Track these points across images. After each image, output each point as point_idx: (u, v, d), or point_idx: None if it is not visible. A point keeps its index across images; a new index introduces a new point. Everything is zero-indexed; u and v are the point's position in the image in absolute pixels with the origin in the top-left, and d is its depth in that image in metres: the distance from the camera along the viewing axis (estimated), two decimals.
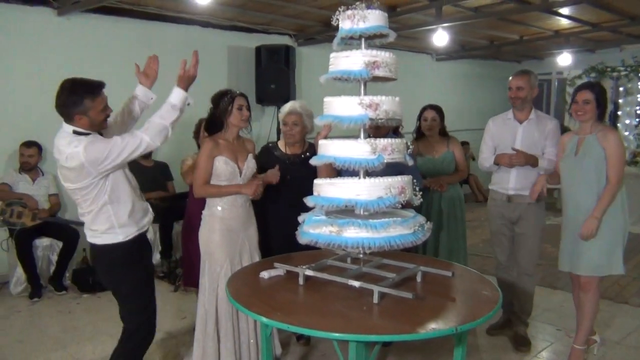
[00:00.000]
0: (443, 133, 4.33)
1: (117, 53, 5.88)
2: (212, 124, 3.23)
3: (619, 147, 3.30)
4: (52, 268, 5.12)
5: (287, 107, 3.57)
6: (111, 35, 5.86)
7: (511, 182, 3.77)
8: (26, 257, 4.91)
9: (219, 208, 3.20)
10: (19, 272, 4.97)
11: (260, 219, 3.41)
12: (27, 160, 5.14)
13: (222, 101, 3.18)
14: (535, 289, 4.00)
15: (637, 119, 8.81)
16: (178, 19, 6.24)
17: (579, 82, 9.37)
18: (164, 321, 4.33)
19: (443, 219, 4.20)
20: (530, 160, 3.63)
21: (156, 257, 5.46)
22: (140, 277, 2.79)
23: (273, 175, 3.35)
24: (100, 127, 2.68)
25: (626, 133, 8.87)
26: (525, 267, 3.84)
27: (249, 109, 3.24)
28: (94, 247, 2.75)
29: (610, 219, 3.30)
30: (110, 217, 2.64)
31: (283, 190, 3.42)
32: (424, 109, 4.31)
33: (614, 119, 9.29)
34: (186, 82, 2.72)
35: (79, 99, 2.55)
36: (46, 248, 5.12)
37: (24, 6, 5.28)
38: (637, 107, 8.91)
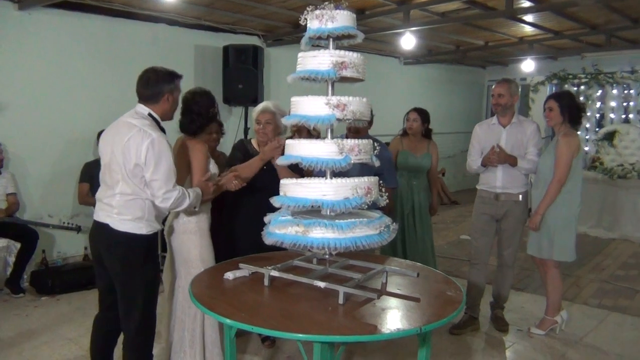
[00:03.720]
0: (426, 135, 4.71)
1: (81, 50, 5.75)
2: (194, 124, 3.16)
3: (565, 150, 3.75)
4: (9, 270, 4.94)
5: (261, 105, 3.57)
6: (74, 32, 5.71)
7: (498, 181, 4.05)
8: None
9: (201, 213, 3.16)
10: None
11: (231, 219, 3.37)
12: None
13: (208, 105, 3.17)
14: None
15: (597, 125, 9.07)
16: (144, 16, 6.13)
17: (541, 88, 9.63)
18: None
19: (415, 222, 4.64)
20: (509, 160, 3.93)
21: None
22: (154, 269, 2.88)
23: (270, 149, 3.33)
24: (170, 118, 2.87)
25: (586, 137, 9.12)
26: (507, 260, 4.16)
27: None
28: (113, 232, 2.71)
29: (556, 211, 3.83)
30: (144, 208, 2.72)
31: (255, 190, 3.39)
32: (409, 111, 4.72)
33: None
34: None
35: (171, 78, 2.80)
36: (3, 249, 4.93)
37: None
38: (597, 114, 9.17)
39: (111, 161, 2.71)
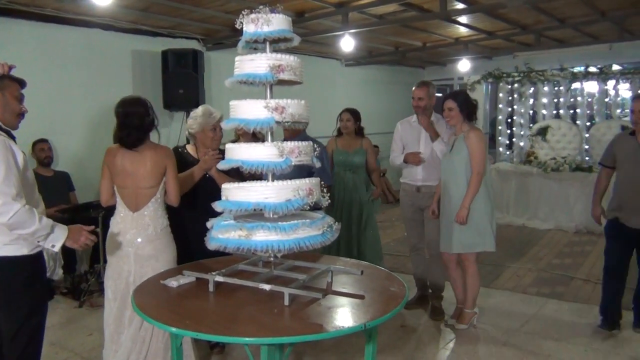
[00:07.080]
0: (358, 133, 4.99)
1: (10, 58, 5.45)
2: (131, 137, 3.01)
3: (478, 143, 3.88)
4: None
5: (210, 111, 3.47)
6: (3, 39, 5.46)
7: (419, 175, 4.38)
8: None
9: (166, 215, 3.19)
10: None
11: (177, 226, 3.32)
12: None
13: (142, 114, 3.01)
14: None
15: (531, 122, 9.44)
16: (78, 21, 5.93)
17: (478, 87, 9.96)
18: (69, 338, 4.11)
19: (352, 217, 4.90)
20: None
21: (59, 273, 5.13)
22: (42, 294, 2.59)
23: (210, 159, 3.33)
24: (12, 124, 2.55)
25: (521, 133, 9.49)
26: (435, 248, 4.31)
27: None
28: None
29: (478, 205, 3.90)
30: None
31: (203, 195, 3.34)
32: (342, 112, 5.00)
33: (495, 123, 10.08)
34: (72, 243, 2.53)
35: None
36: None
37: None
38: (530, 111, 9.56)
39: None
